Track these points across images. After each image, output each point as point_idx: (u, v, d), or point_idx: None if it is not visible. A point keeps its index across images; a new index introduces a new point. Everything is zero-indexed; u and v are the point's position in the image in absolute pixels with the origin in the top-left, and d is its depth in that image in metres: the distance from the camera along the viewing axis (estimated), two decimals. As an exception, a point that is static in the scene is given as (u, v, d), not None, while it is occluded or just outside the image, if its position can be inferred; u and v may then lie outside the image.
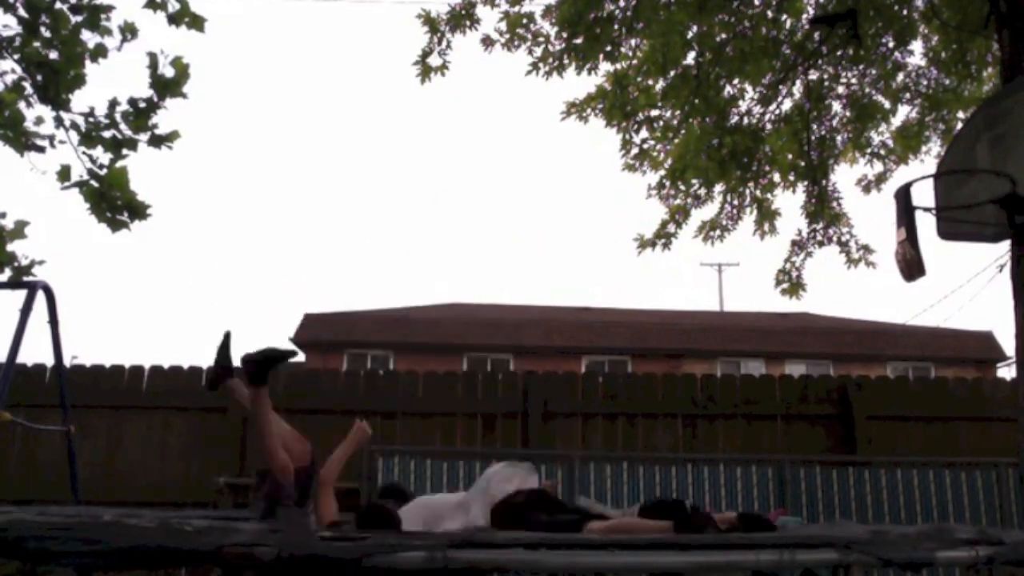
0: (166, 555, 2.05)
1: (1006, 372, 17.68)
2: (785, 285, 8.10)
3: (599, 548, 2.04)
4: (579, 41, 6.69)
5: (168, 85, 5.61)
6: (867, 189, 8.53)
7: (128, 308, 50.31)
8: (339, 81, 59.05)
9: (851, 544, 2.15)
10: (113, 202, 5.61)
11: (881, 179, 8.45)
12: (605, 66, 7.00)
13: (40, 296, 4.99)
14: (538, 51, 6.86)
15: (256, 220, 53.38)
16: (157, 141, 5.70)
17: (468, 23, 6.81)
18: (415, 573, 1.92)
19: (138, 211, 5.68)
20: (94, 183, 5.60)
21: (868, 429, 7.00)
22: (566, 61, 6.83)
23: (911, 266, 4.33)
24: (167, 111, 5.64)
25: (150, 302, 50.29)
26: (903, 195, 4.42)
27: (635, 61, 7.15)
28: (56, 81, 5.47)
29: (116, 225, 5.69)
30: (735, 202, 8.05)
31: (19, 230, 5.60)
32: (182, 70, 5.63)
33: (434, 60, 6.83)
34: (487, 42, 6.93)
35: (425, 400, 7.12)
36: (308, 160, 51.63)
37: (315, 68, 58.05)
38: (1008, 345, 17.11)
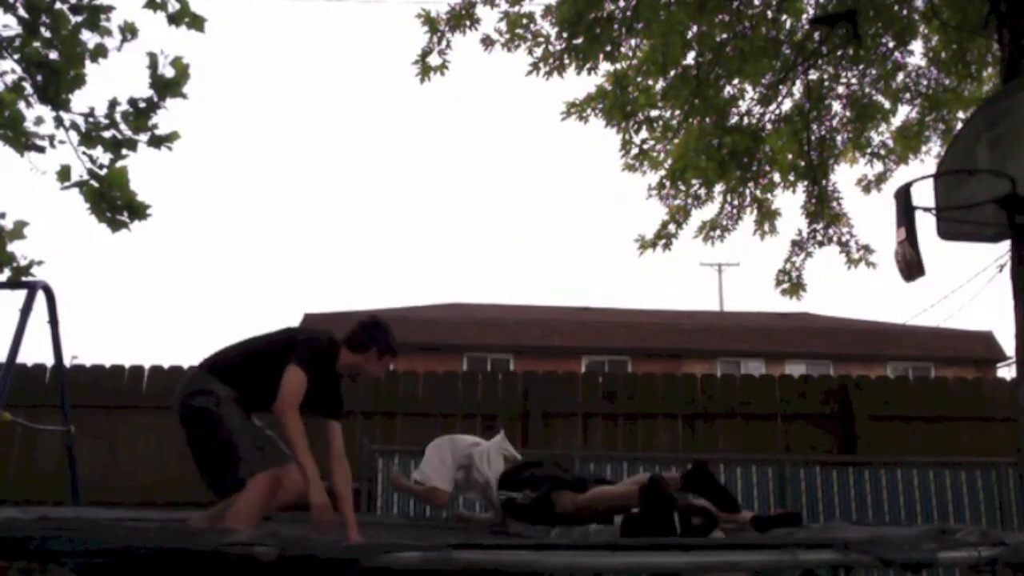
0: (166, 556, 2.05)
1: (1006, 372, 17.69)
2: (785, 285, 8.10)
3: (599, 549, 2.04)
4: (579, 41, 6.68)
5: (168, 85, 5.61)
6: (867, 189, 8.53)
7: (128, 308, 50.34)
8: (339, 81, 59.05)
9: (851, 544, 2.15)
10: (113, 202, 5.61)
11: (881, 179, 8.44)
12: (605, 66, 6.99)
13: (40, 296, 4.99)
14: (538, 51, 6.85)
15: (256, 220, 53.41)
16: (157, 141, 5.70)
17: (468, 23, 6.79)
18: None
19: (138, 211, 5.68)
20: (94, 183, 5.60)
21: (868, 429, 7.00)
22: (566, 61, 6.82)
23: (911, 266, 4.33)
24: (167, 111, 5.65)
25: (150, 302, 50.30)
26: (903, 195, 4.42)
27: (635, 61, 7.14)
28: (56, 81, 5.47)
29: (116, 225, 5.69)
30: (735, 202, 8.04)
31: (18, 230, 5.60)
32: (182, 70, 5.63)
33: (434, 60, 6.81)
34: (487, 42, 6.91)
35: (425, 400, 7.11)
36: (308, 160, 51.66)
37: (315, 68, 58.06)
38: (1008, 345, 17.11)
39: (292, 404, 3.36)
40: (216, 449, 3.42)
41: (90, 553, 2.03)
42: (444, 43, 6.79)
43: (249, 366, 3.56)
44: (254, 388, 3.50)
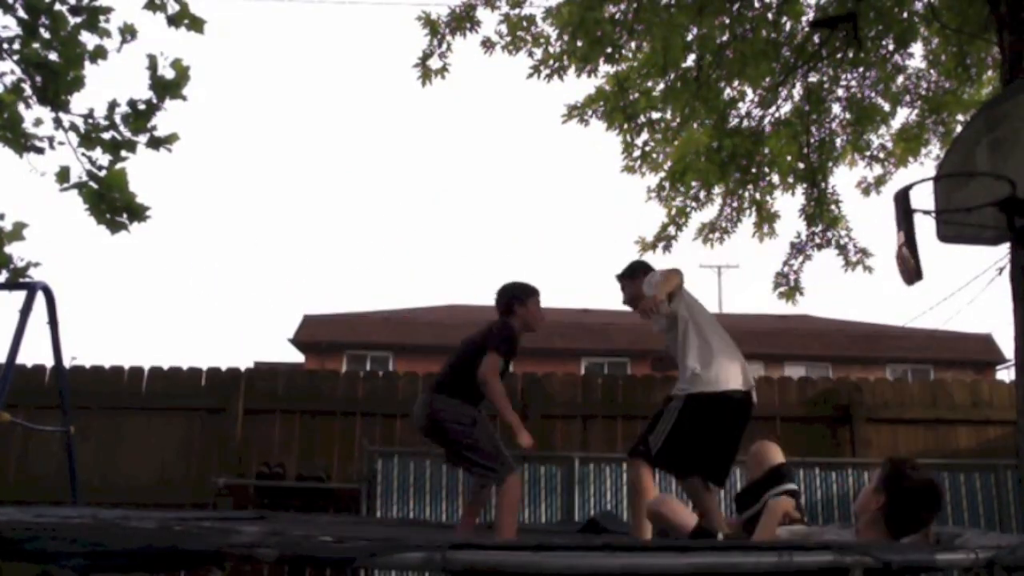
0: (166, 556, 2.05)
1: (1005, 374, 17.70)
2: (783, 288, 8.10)
3: (598, 550, 2.05)
4: (580, 44, 6.69)
5: (168, 87, 5.62)
6: (866, 192, 8.54)
7: (128, 309, 50.30)
8: (339, 83, 59.06)
9: (849, 547, 2.16)
10: (112, 203, 5.62)
11: (880, 182, 8.45)
12: (605, 68, 7.00)
13: (40, 297, 5.00)
14: (539, 53, 6.86)
15: (256, 221, 53.38)
16: (156, 143, 5.71)
17: (468, 25, 6.80)
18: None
19: (137, 213, 5.69)
20: (93, 184, 5.61)
21: (867, 431, 7.00)
22: (566, 63, 6.82)
23: (910, 270, 4.32)
24: (166, 112, 5.66)
25: (150, 303, 50.24)
26: (902, 198, 4.41)
27: (635, 63, 7.15)
28: (55, 82, 5.48)
29: (115, 226, 5.70)
30: (734, 204, 8.05)
31: (17, 232, 5.61)
32: (182, 72, 5.64)
33: (434, 62, 6.83)
34: (487, 44, 6.92)
35: (425, 402, 7.11)
36: (308, 161, 51.63)
37: (315, 70, 58.06)
38: (1007, 347, 17.12)
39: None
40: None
41: (90, 554, 2.03)
42: (445, 46, 6.80)
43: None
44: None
